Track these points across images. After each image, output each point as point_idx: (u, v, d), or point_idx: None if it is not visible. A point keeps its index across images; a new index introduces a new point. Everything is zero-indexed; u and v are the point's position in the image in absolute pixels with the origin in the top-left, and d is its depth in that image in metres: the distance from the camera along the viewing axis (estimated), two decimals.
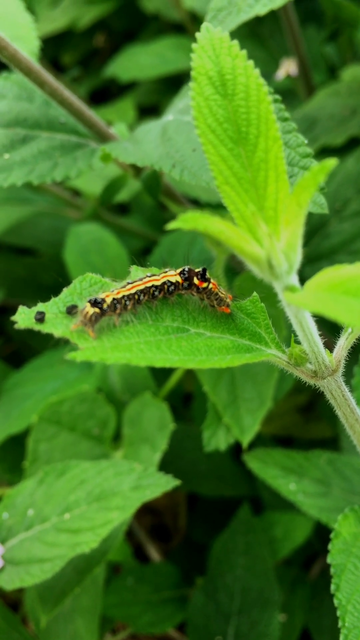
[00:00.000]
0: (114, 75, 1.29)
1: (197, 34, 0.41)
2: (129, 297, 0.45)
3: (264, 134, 0.39)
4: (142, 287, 0.46)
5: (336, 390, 0.49)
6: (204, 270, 0.48)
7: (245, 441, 0.75)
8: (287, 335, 0.73)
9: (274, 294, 0.44)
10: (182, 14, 1.29)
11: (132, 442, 0.83)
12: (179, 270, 0.47)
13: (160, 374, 0.90)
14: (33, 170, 0.70)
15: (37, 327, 0.43)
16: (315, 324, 0.45)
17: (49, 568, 0.65)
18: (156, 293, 0.46)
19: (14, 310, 0.44)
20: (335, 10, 1.05)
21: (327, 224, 0.91)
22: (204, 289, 0.47)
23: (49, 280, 1.17)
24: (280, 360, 0.47)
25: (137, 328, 0.43)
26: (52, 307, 0.44)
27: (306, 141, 0.56)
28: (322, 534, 0.91)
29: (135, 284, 0.46)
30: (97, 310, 0.43)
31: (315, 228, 0.91)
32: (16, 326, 0.42)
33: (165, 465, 0.78)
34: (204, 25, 0.41)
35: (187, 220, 0.35)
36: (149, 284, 0.46)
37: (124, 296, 0.45)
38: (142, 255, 1.16)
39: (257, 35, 1.19)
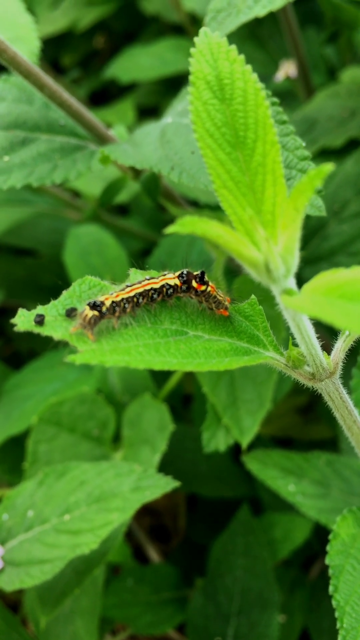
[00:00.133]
0: (114, 76, 1.30)
1: (196, 39, 0.41)
2: (128, 300, 0.45)
3: (262, 138, 0.39)
4: (141, 290, 0.46)
5: (334, 393, 0.49)
6: (203, 273, 0.48)
7: (245, 442, 0.75)
8: (286, 337, 0.73)
9: (273, 296, 0.44)
10: (181, 15, 1.29)
11: (132, 443, 0.83)
12: (177, 273, 0.48)
13: (160, 375, 0.91)
14: (32, 172, 0.71)
15: (37, 329, 0.43)
16: (312, 327, 0.45)
17: (49, 569, 0.65)
18: (155, 296, 0.46)
19: (13, 311, 0.44)
20: (335, 12, 1.05)
21: (326, 225, 0.91)
22: (203, 291, 0.47)
23: (49, 281, 1.18)
24: (278, 363, 0.47)
25: (136, 331, 0.44)
26: (52, 310, 0.44)
27: (304, 144, 0.56)
28: (321, 535, 0.91)
29: (134, 287, 0.46)
30: (96, 313, 0.43)
31: (314, 229, 0.91)
32: (16, 329, 0.43)
33: (165, 466, 0.78)
34: (202, 30, 0.41)
35: (185, 225, 0.35)
36: (148, 287, 0.46)
37: (123, 299, 0.45)
38: (141, 256, 1.16)
39: (256, 37, 1.19)
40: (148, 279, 0.47)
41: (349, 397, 0.51)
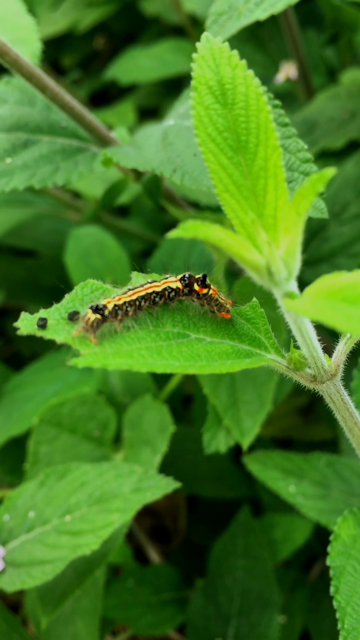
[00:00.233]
0: (114, 77, 1.30)
1: (198, 44, 0.41)
2: (130, 303, 0.45)
3: (264, 143, 0.40)
4: (143, 293, 0.46)
5: (335, 394, 0.49)
6: (204, 276, 0.48)
7: (245, 443, 0.75)
8: (287, 339, 0.73)
9: (274, 298, 0.44)
10: (182, 17, 1.29)
11: (132, 445, 0.83)
12: (179, 277, 0.48)
13: (161, 377, 0.91)
14: (35, 174, 0.71)
15: (40, 333, 0.43)
16: (314, 329, 0.46)
17: (50, 570, 0.66)
18: (157, 299, 0.47)
19: (14, 312, 0.44)
20: (335, 13, 1.05)
21: (327, 227, 0.91)
22: (204, 295, 0.47)
23: (49, 282, 1.18)
24: (280, 365, 0.47)
25: (138, 334, 0.44)
26: (54, 314, 0.45)
27: (306, 146, 0.57)
28: (321, 536, 0.91)
29: (136, 290, 0.46)
30: (98, 316, 0.44)
31: (314, 231, 0.91)
32: (19, 332, 0.43)
33: (166, 467, 0.78)
34: (204, 35, 0.42)
35: (187, 229, 0.36)
36: (150, 290, 0.46)
37: (125, 302, 0.45)
38: (142, 257, 1.16)
39: (257, 39, 1.20)
40: (150, 282, 0.47)
41: (350, 399, 0.52)
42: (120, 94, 1.49)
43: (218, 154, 0.40)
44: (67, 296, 0.46)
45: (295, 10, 1.05)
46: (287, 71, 1.07)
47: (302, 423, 1.01)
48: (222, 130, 0.40)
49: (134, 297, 0.46)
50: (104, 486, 0.70)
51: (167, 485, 0.68)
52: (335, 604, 0.55)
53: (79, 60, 1.58)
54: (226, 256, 0.78)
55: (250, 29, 1.19)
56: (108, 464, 0.72)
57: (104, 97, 1.54)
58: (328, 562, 0.57)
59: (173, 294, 0.47)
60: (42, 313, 0.44)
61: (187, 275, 0.48)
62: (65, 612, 0.77)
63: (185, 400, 1.03)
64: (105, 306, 0.44)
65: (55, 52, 1.56)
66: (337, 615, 0.54)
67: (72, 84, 1.52)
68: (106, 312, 0.44)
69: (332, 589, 0.55)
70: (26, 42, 0.82)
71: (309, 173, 0.54)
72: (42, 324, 0.44)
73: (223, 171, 0.40)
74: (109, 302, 0.45)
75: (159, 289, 0.47)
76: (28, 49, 0.80)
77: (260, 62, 1.17)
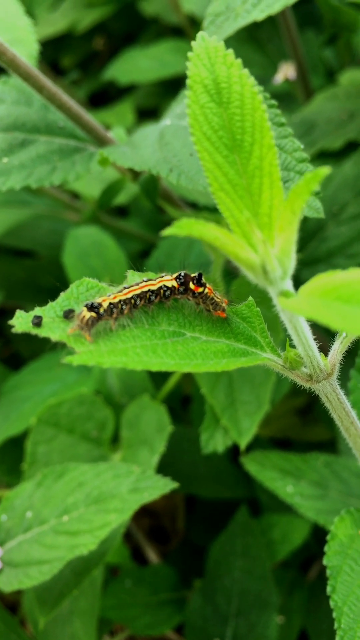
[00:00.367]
0: (113, 78, 1.30)
1: (193, 43, 0.41)
2: (126, 301, 0.45)
3: (259, 142, 0.40)
4: (138, 291, 0.46)
5: (331, 394, 0.49)
6: (200, 275, 0.48)
7: (243, 444, 0.75)
8: (284, 338, 0.73)
9: (270, 297, 0.44)
10: (181, 17, 1.29)
11: (130, 445, 0.83)
12: (175, 275, 0.48)
13: (159, 377, 0.91)
14: (32, 174, 0.71)
15: (35, 331, 0.43)
16: (310, 328, 0.46)
17: (48, 570, 0.66)
18: (152, 297, 0.47)
19: (12, 312, 0.44)
20: (334, 14, 1.06)
21: (325, 227, 0.91)
22: (200, 293, 0.47)
23: (48, 282, 1.18)
24: (276, 364, 0.47)
25: (133, 332, 0.44)
26: (50, 312, 0.45)
27: (302, 146, 0.57)
28: (319, 536, 0.91)
29: (131, 288, 0.46)
30: (93, 314, 0.44)
31: (312, 231, 0.91)
32: (14, 330, 0.43)
33: (164, 467, 0.78)
34: (199, 34, 0.42)
35: (182, 227, 0.36)
36: (146, 289, 0.46)
37: (120, 300, 0.45)
38: (140, 257, 1.16)
39: (255, 39, 1.20)
40: (146, 281, 0.47)
41: (346, 399, 0.52)
42: (119, 95, 1.49)
43: (213, 152, 0.40)
44: (62, 294, 0.46)
45: (294, 10, 1.05)
46: (286, 72, 1.07)
47: (301, 423, 1.01)
48: (217, 129, 0.40)
49: (129, 296, 0.46)
50: (101, 486, 0.70)
51: (164, 486, 0.68)
52: (332, 603, 0.55)
53: (78, 60, 1.58)
54: (223, 256, 0.78)
55: (249, 30, 1.19)
56: (106, 464, 0.72)
57: (103, 97, 1.55)
58: (325, 561, 0.57)
59: (169, 292, 0.47)
60: (38, 311, 0.44)
61: (182, 274, 0.48)
62: (63, 612, 0.77)
63: (184, 401, 1.03)
64: (100, 304, 0.44)
65: (55, 52, 1.56)
66: (334, 615, 0.54)
67: (72, 85, 1.52)
68: (101, 310, 0.44)
69: (328, 589, 0.55)
70: (24, 43, 0.82)
71: (305, 173, 0.54)
72: (37, 321, 0.44)
73: (218, 170, 0.40)
74: (104, 301, 0.45)
75: (154, 288, 0.47)
76: (25, 50, 0.80)
77: (259, 63, 1.17)
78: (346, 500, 0.77)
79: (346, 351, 0.50)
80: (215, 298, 0.48)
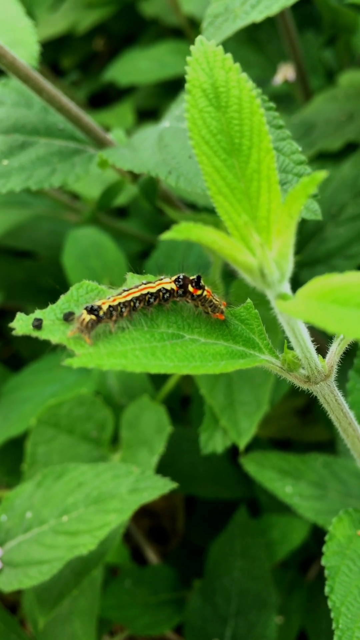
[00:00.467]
0: (113, 79, 1.30)
1: (192, 47, 0.42)
2: (125, 304, 0.46)
3: (257, 146, 0.40)
4: (137, 294, 0.46)
5: (329, 395, 0.49)
6: (199, 277, 0.48)
7: (242, 444, 0.76)
8: (283, 339, 0.73)
9: (269, 299, 0.45)
10: (181, 18, 1.29)
11: (130, 445, 0.83)
12: (174, 278, 0.48)
13: (158, 377, 0.91)
14: (31, 176, 0.71)
15: (35, 333, 0.43)
16: (308, 330, 0.46)
17: (47, 570, 0.66)
18: (151, 300, 0.47)
19: (12, 313, 0.45)
20: (333, 15, 1.06)
21: (324, 228, 0.91)
22: (199, 296, 0.48)
23: (48, 283, 1.18)
24: (274, 366, 0.47)
25: (132, 334, 0.44)
26: (50, 314, 0.45)
27: (300, 148, 0.57)
28: (319, 537, 0.91)
29: (130, 291, 0.47)
30: (93, 317, 0.44)
31: (311, 232, 0.92)
32: (14, 333, 0.43)
33: (163, 468, 0.79)
34: (198, 38, 0.42)
35: (180, 231, 0.36)
36: (145, 291, 0.47)
37: (119, 303, 0.45)
38: (140, 258, 1.17)
39: (254, 40, 1.20)
40: (145, 284, 0.47)
41: (344, 400, 0.52)
42: (119, 95, 1.49)
43: (212, 156, 0.40)
44: (62, 297, 0.46)
45: (293, 12, 1.05)
46: (285, 73, 1.07)
47: (300, 424, 1.01)
48: (215, 133, 0.40)
49: (128, 298, 0.46)
50: (101, 487, 0.70)
51: (164, 486, 0.68)
52: (330, 604, 0.55)
53: (78, 61, 1.59)
54: (222, 258, 0.78)
55: (248, 31, 1.19)
56: (105, 465, 0.72)
57: (103, 98, 1.55)
58: (323, 562, 0.57)
59: (167, 295, 0.47)
60: (38, 314, 0.45)
61: (181, 277, 0.48)
62: (62, 612, 0.77)
63: (183, 401, 1.03)
64: (100, 307, 0.45)
65: (55, 53, 1.56)
66: (332, 615, 0.55)
67: (72, 85, 1.53)
68: (101, 313, 0.45)
69: (326, 589, 0.56)
70: (24, 45, 0.82)
71: (303, 175, 0.55)
72: (38, 324, 0.44)
73: (216, 173, 0.40)
74: (103, 303, 0.45)
75: (153, 290, 0.47)
76: (26, 52, 0.81)
77: (258, 64, 1.18)
78: (345, 501, 0.77)
79: (344, 352, 0.50)
80: (213, 300, 0.48)
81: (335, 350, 0.48)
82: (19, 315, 0.44)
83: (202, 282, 0.48)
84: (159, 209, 0.92)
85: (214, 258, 0.78)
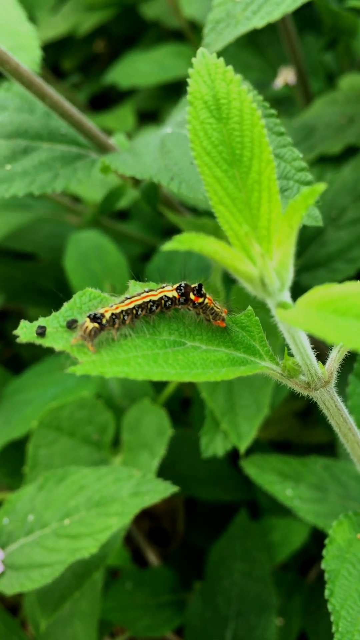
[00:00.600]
0: (114, 82, 1.31)
1: (194, 60, 0.42)
2: (127, 312, 0.46)
3: (258, 157, 0.40)
4: (140, 302, 0.47)
5: (329, 401, 0.50)
6: (200, 285, 0.49)
7: (243, 447, 0.76)
8: (283, 343, 0.74)
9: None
10: (181, 21, 1.30)
11: (131, 448, 0.84)
12: (175, 286, 0.49)
13: (159, 381, 0.91)
14: (34, 181, 0.71)
15: (39, 341, 0.44)
16: (307, 337, 0.46)
17: (49, 573, 0.66)
18: (153, 308, 0.47)
19: (14, 315, 0.45)
20: (334, 19, 1.06)
21: (324, 232, 0.92)
22: (200, 304, 0.48)
23: (49, 285, 1.18)
24: (274, 373, 0.48)
25: (135, 342, 0.45)
26: (53, 322, 0.45)
27: (301, 155, 0.57)
28: (319, 539, 0.92)
29: (133, 299, 0.47)
30: (96, 325, 0.44)
31: (312, 236, 0.92)
32: (18, 340, 0.44)
33: (164, 470, 0.79)
34: (199, 50, 0.42)
35: (183, 241, 0.36)
36: (147, 299, 0.47)
37: (122, 311, 0.46)
38: (141, 260, 1.17)
39: (255, 44, 1.20)
40: (147, 291, 0.48)
41: (344, 405, 0.52)
42: (120, 97, 1.50)
43: (213, 167, 0.41)
44: (65, 304, 0.47)
45: (294, 15, 1.05)
46: (286, 76, 1.08)
47: (300, 426, 1.02)
48: (217, 144, 0.41)
49: (131, 306, 0.46)
50: (102, 490, 0.70)
51: (165, 489, 0.69)
52: (330, 607, 0.55)
53: (79, 63, 1.59)
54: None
55: (249, 35, 1.19)
56: (107, 468, 0.73)
57: (104, 100, 1.55)
58: (323, 565, 0.57)
59: (169, 302, 0.48)
60: (41, 321, 0.45)
61: (183, 285, 0.49)
62: (63, 615, 0.77)
63: (184, 404, 1.03)
64: (103, 315, 0.45)
65: (56, 55, 1.57)
66: (332, 618, 0.55)
67: (72, 88, 1.53)
68: (104, 321, 0.45)
69: (326, 592, 0.56)
70: (26, 49, 0.83)
71: (304, 181, 0.55)
72: (41, 331, 0.44)
73: (218, 184, 0.41)
74: (106, 311, 0.46)
75: (155, 298, 0.47)
76: (28, 56, 0.81)
77: (259, 67, 1.18)
78: (345, 504, 0.77)
79: (344, 358, 0.51)
80: (215, 308, 0.49)
81: (335, 357, 0.48)
82: (23, 323, 0.45)
83: (203, 290, 0.49)
84: (160, 212, 0.92)
85: (214, 262, 0.79)
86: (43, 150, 0.74)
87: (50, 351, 0.46)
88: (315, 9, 1.21)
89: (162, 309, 0.48)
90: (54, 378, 0.94)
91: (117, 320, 0.45)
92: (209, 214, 0.87)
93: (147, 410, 0.84)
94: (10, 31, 0.86)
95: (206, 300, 0.48)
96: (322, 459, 0.80)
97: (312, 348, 0.47)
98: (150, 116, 1.42)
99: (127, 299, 0.47)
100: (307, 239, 0.93)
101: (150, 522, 1.08)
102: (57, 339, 0.44)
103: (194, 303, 0.48)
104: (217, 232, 0.71)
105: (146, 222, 1.22)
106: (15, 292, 1.19)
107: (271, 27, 1.18)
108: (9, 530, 0.72)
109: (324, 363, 0.50)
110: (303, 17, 1.23)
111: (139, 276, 0.54)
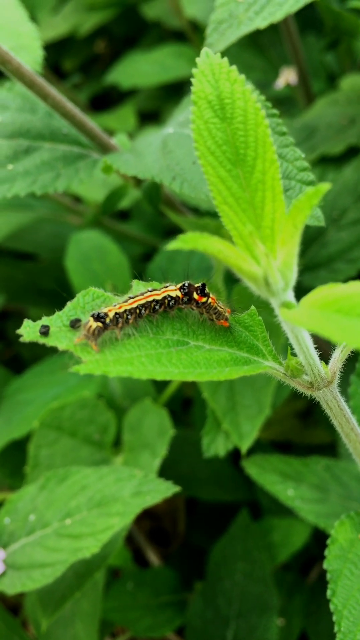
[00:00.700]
0: (115, 82, 1.31)
1: (198, 60, 0.42)
2: (131, 311, 0.46)
3: (262, 156, 0.40)
4: (143, 301, 0.47)
5: (332, 401, 0.50)
6: (203, 285, 0.49)
7: (244, 447, 0.76)
8: (285, 343, 0.74)
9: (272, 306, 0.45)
10: (183, 22, 1.30)
11: (132, 448, 0.84)
12: (179, 285, 0.49)
13: (161, 380, 0.91)
14: (36, 180, 0.72)
15: (42, 340, 0.44)
16: (311, 337, 0.46)
17: (50, 573, 0.66)
18: (157, 307, 0.47)
19: (14, 315, 0.45)
20: (335, 20, 1.06)
21: (325, 232, 0.92)
22: (203, 303, 0.48)
23: (50, 285, 1.18)
24: (277, 372, 0.48)
25: (138, 341, 0.45)
26: (56, 321, 0.45)
27: (303, 155, 0.57)
28: (320, 539, 0.92)
29: (136, 298, 0.47)
30: (99, 324, 0.44)
31: (313, 236, 0.92)
32: (22, 340, 0.44)
33: (165, 470, 0.79)
34: (203, 51, 0.42)
35: (187, 241, 0.36)
36: (150, 299, 0.47)
37: (125, 310, 0.46)
38: (143, 261, 1.17)
39: (257, 44, 1.20)
40: (150, 291, 0.48)
41: (346, 405, 0.52)
42: (121, 98, 1.50)
43: (217, 166, 0.41)
44: (69, 304, 0.47)
45: (295, 15, 1.05)
46: (287, 77, 1.08)
47: (301, 426, 1.02)
48: (221, 144, 0.41)
49: (134, 305, 0.46)
50: (104, 490, 0.70)
51: (166, 489, 0.69)
52: (332, 607, 0.56)
53: (79, 63, 1.59)
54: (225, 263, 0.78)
55: (251, 35, 1.19)
56: (108, 468, 0.73)
57: (105, 100, 1.55)
58: (325, 565, 0.57)
59: (173, 302, 0.48)
60: (45, 320, 0.45)
61: (186, 284, 0.49)
62: (65, 615, 0.77)
63: (185, 404, 1.03)
64: (106, 314, 0.45)
65: (56, 55, 1.57)
66: (334, 618, 0.55)
67: (73, 88, 1.53)
68: (107, 320, 0.45)
69: (328, 592, 0.56)
70: (28, 50, 0.83)
71: (306, 181, 0.55)
72: (45, 331, 0.44)
73: (222, 183, 0.41)
74: (110, 310, 0.46)
75: (159, 298, 0.47)
76: (30, 57, 0.81)
77: (261, 68, 1.18)
78: (346, 504, 0.77)
79: (347, 358, 0.51)
80: (218, 307, 0.49)
81: (338, 357, 0.48)
82: (26, 322, 0.45)
83: (206, 290, 0.49)
84: (162, 212, 0.92)
85: (216, 262, 0.79)
86: (45, 150, 0.74)
87: (51, 351, 0.46)
88: (317, 9, 1.22)
89: (165, 308, 0.48)
90: (55, 378, 0.94)
91: (120, 320, 0.45)
92: (211, 214, 0.87)
93: (149, 410, 0.84)
94: (12, 31, 0.86)
95: (210, 300, 0.48)
96: (324, 460, 0.80)
97: (315, 348, 0.47)
98: (151, 116, 1.42)
99: (130, 298, 0.47)
100: (308, 239, 0.93)
101: (151, 522, 1.08)
102: (60, 338, 0.44)
103: (197, 302, 0.48)
104: (219, 232, 0.72)
105: (147, 222, 1.22)
106: (16, 292, 1.19)
107: (273, 28, 1.18)
108: (11, 530, 0.72)
109: (326, 363, 0.50)
110: (304, 18, 1.23)
111: (140, 276, 0.54)
